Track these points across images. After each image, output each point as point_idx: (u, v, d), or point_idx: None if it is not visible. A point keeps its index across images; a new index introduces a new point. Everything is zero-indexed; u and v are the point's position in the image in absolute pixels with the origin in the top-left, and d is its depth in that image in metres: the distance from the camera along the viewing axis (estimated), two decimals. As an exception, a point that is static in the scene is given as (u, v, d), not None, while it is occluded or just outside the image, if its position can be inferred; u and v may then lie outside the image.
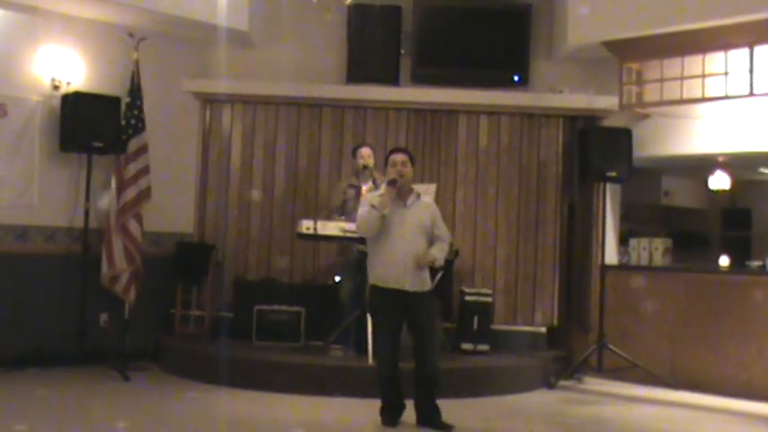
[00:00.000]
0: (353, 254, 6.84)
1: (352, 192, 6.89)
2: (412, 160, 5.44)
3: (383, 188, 5.33)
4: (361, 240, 6.56)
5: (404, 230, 5.27)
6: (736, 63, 6.93)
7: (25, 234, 7.04)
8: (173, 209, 7.91)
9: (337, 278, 7.51)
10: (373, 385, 5.57)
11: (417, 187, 6.82)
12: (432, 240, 5.40)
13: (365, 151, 6.98)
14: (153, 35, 7.49)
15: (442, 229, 5.50)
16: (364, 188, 6.68)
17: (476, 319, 7.30)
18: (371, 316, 5.65)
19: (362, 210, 5.32)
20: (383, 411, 5.42)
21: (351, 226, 6.62)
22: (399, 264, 5.23)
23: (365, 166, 6.85)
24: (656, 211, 12.16)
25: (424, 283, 5.36)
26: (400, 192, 5.33)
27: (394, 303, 5.25)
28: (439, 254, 5.38)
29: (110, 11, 7.20)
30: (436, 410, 5.32)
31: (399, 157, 5.36)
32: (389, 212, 5.22)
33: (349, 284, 6.96)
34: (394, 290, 5.24)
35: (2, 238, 6.90)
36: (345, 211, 6.84)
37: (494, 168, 8.06)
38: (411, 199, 5.40)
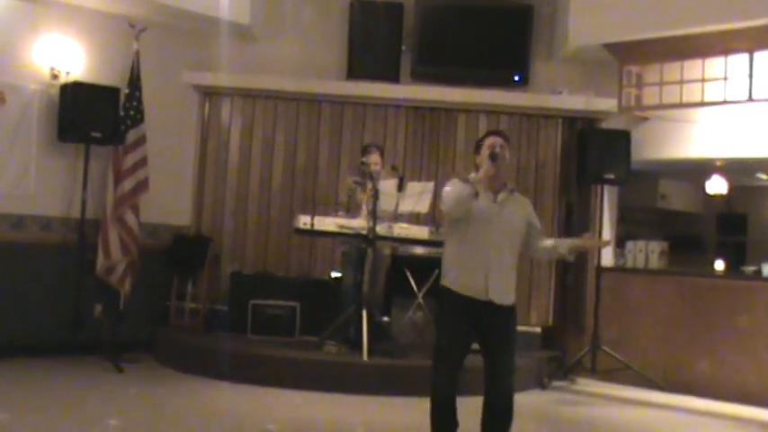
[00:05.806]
0: (355, 248, 6.83)
1: (356, 187, 6.89)
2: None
3: (479, 171, 4.34)
4: (358, 237, 6.60)
5: (491, 233, 4.27)
6: (735, 68, 6.95)
7: (21, 223, 7.01)
8: (170, 201, 7.91)
9: (334, 273, 7.52)
10: (368, 381, 5.54)
11: (414, 186, 6.91)
12: (527, 242, 4.44)
13: (372, 157, 6.83)
14: (154, 26, 7.47)
15: (538, 224, 4.53)
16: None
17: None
18: (438, 324, 4.57)
19: (452, 188, 4.29)
20: None
21: (349, 222, 6.63)
22: (480, 272, 4.23)
23: (363, 162, 6.82)
24: (653, 215, 12.20)
25: (511, 293, 4.38)
26: (495, 180, 4.34)
27: (469, 314, 4.29)
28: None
29: (111, 1, 7.17)
30: None
31: (498, 140, 4.41)
32: (477, 205, 4.22)
33: (349, 279, 6.94)
34: (473, 299, 4.28)
35: (-2, 227, 6.89)
36: (350, 207, 6.83)
37: (492, 168, 8.05)
38: (503, 194, 4.35)
